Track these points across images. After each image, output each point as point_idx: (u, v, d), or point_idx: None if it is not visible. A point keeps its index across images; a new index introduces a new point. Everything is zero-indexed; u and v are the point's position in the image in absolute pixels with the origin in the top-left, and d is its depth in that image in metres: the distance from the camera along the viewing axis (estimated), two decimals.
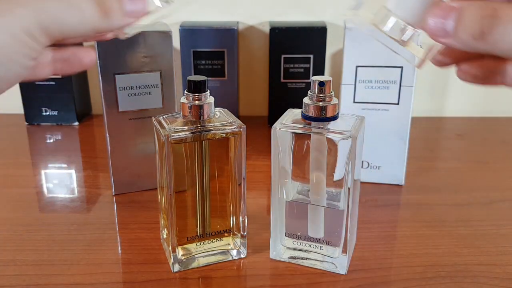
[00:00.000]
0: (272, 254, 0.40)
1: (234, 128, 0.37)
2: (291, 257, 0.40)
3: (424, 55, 0.28)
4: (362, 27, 0.29)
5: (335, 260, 0.39)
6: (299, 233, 0.39)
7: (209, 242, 0.40)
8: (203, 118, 0.37)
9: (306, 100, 0.36)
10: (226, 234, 0.40)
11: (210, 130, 0.37)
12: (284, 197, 0.39)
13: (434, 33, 0.25)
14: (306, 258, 0.39)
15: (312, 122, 0.36)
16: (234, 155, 0.38)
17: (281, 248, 0.40)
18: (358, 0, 0.28)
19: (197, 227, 0.39)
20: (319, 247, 0.39)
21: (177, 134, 0.36)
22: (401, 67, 0.49)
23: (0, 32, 0.26)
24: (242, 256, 0.41)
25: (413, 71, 0.49)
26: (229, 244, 0.41)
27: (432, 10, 0.25)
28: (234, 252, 0.40)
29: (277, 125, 0.37)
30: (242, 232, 0.40)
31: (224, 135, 0.37)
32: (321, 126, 0.36)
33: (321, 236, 0.39)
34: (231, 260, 0.40)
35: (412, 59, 0.31)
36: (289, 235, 0.40)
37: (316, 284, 0.37)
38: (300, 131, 0.36)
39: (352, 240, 0.40)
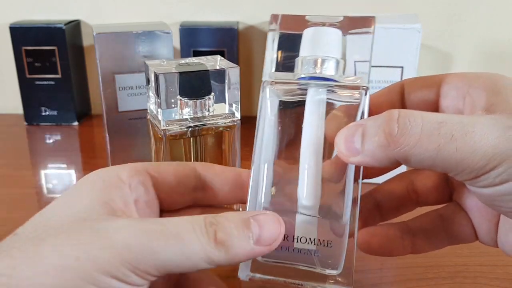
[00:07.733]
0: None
1: (228, 122, 0.37)
2: None
3: None
4: None
5: None
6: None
7: None
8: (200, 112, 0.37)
9: None
10: None
11: (205, 125, 0.37)
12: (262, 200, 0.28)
13: (344, 153, 0.26)
14: None
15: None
16: (228, 149, 0.38)
17: None
18: None
19: None
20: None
21: (173, 128, 0.36)
22: (402, 67, 0.49)
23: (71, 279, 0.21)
24: None
25: (414, 71, 0.49)
26: None
27: (340, 131, 0.26)
28: None
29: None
30: None
31: (222, 128, 0.37)
32: None
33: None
34: None
35: None
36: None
37: None
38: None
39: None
